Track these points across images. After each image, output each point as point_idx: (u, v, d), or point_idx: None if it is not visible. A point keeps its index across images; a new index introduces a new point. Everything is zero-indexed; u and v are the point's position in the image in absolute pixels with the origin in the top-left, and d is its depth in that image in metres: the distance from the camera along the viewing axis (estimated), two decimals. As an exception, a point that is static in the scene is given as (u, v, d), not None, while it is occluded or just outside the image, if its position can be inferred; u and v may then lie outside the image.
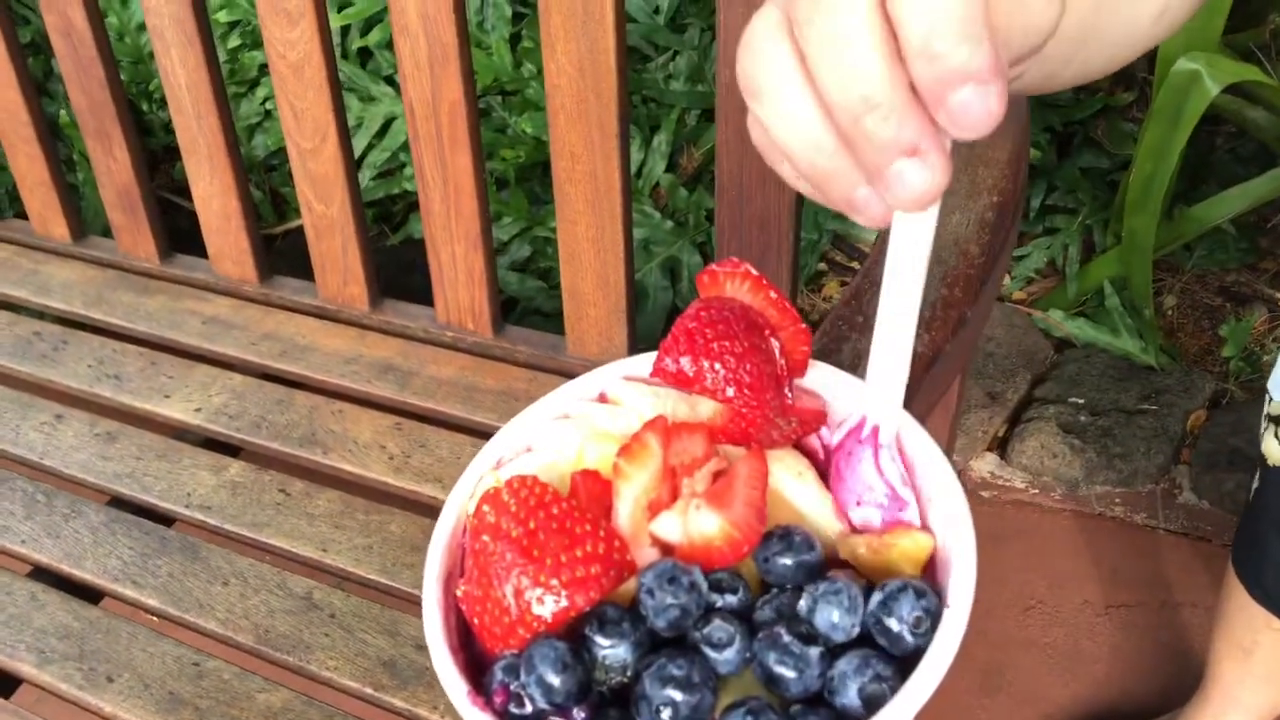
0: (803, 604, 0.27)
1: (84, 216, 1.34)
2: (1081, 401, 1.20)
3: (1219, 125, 1.34)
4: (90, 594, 0.68)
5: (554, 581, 0.25)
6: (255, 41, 1.37)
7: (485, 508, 0.27)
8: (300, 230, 1.42)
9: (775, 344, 0.30)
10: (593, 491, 0.28)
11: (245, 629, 0.64)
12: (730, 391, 0.29)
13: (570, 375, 0.78)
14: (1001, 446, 1.20)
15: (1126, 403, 1.19)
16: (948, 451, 0.84)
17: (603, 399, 0.33)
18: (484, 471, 0.32)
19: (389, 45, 1.35)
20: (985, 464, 1.20)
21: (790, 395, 0.31)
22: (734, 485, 0.27)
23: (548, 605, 0.25)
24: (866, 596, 0.27)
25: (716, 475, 0.28)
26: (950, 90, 0.24)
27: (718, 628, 0.26)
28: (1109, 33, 0.37)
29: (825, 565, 0.28)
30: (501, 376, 0.78)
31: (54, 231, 0.95)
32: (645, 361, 0.32)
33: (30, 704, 0.62)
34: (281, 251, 1.42)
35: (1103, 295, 1.27)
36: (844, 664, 0.26)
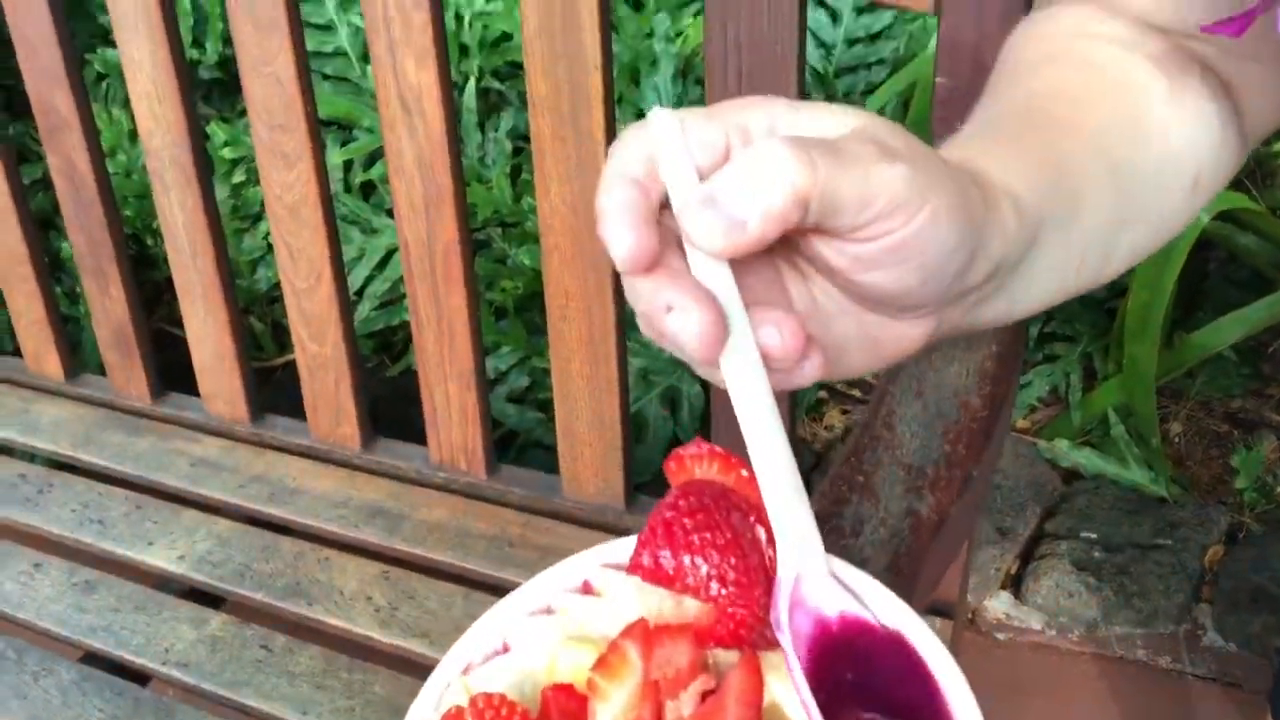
0: None
1: (84, 350, 1.34)
2: (1095, 536, 1.16)
3: (1211, 251, 1.35)
4: (55, 761, 0.64)
5: None
6: (259, 178, 1.40)
7: None
8: (293, 365, 1.42)
9: (761, 531, 0.28)
10: (567, 710, 0.26)
11: (216, 800, 0.60)
12: (715, 589, 0.27)
13: (565, 519, 0.76)
14: (1015, 585, 1.16)
15: (1140, 537, 1.16)
16: (961, 594, 0.80)
17: (587, 588, 0.31)
18: (451, 678, 0.29)
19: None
20: (1000, 604, 1.16)
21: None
22: (725, 705, 0.24)
23: None
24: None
25: (705, 694, 0.25)
26: (601, 235, 0.28)
27: None
28: (1145, 215, 0.37)
29: None
30: (495, 520, 0.76)
31: (47, 369, 0.95)
32: (629, 546, 0.30)
33: None
34: (280, 383, 1.41)
35: (1108, 424, 1.25)
36: None
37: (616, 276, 0.70)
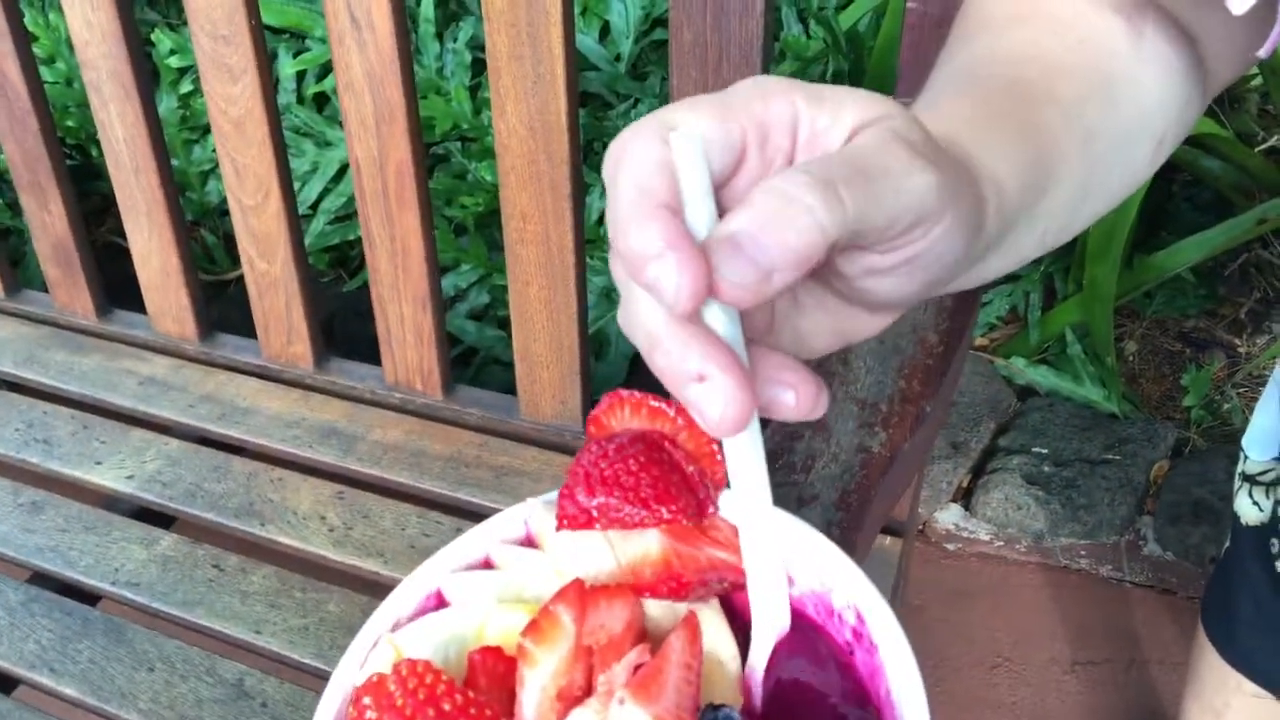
0: None
1: (27, 266, 1.30)
2: (1045, 452, 1.19)
3: (1176, 174, 1.35)
4: (4, 681, 0.64)
5: None
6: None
7: (366, 700, 0.24)
8: (238, 281, 1.39)
9: (680, 452, 0.27)
10: (495, 673, 0.25)
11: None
12: (641, 514, 0.26)
13: (523, 440, 0.76)
14: (966, 498, 1.19)
15: (1090, 452, 1.18)
16: (911, 512, 0.82)
17: (529, 539, 0.30)
18: (380, 634, 0.29)
19: (344, 89, 1.33)
20: (950, 515, 1.18)
21: (714, 502, 0.28)
22: (665, 670, 0.24)
23: None
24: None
25: (638, 667, 0.25)
26: (640, 275, 0.24)
27: None
28: (1108, 183, 0.36)
29: None
30: (451, 441, 0.75)
31: (-14, 285, 0.91)
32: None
33: (-66, 806, 0.58)
34: (234, 298, 1.38)
35: (1064, 343, 1.26)
36: None
37: (576, 198, 0.68)
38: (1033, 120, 0.35)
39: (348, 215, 1.34)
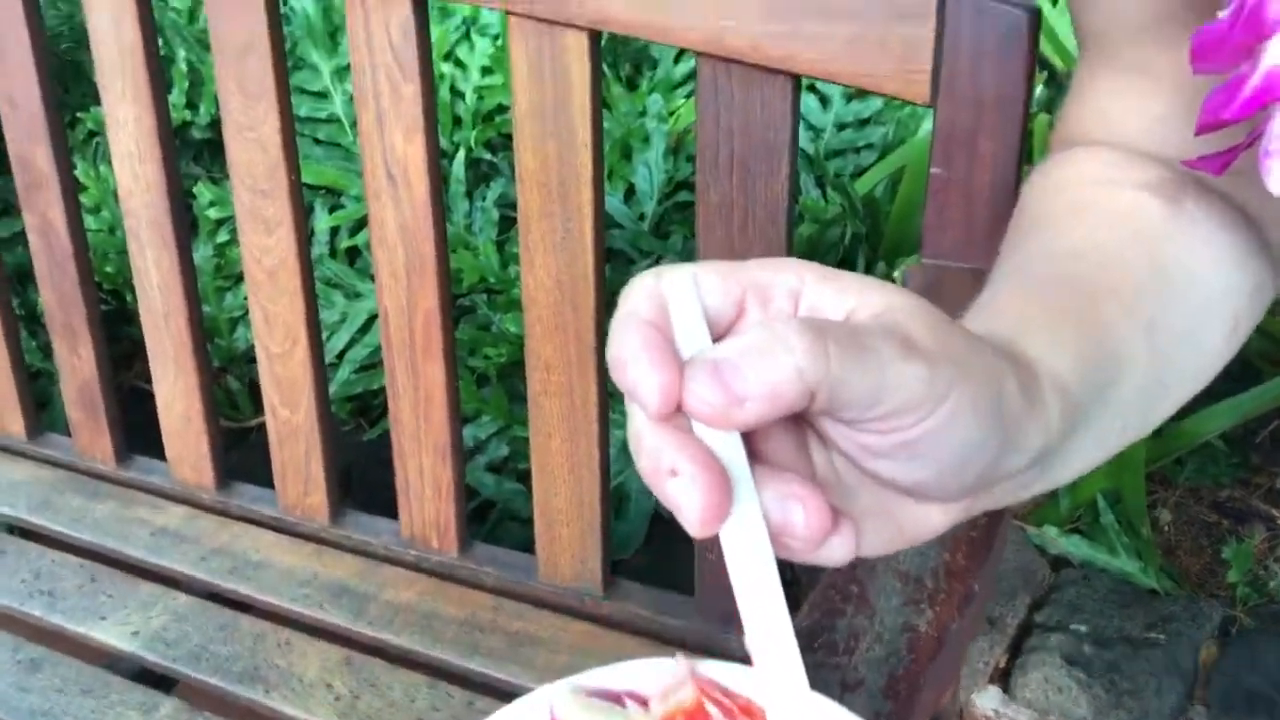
0: None
1: (53, 409, 1.30)
2: (1085, 629, 1.13)
3: (1202, 340, 1.34)
4: None
5: None
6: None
7: None
8: (259, 430, 1.39)
9: None
10: None
11: None
12: None
13: (540, 604, 0.73)
14: (1004, 679, 1.13)
15: (1132, 631, 1.13)
16: (952, 697, 0.77)
17: None
18: None
19: (377, 244, 1.36)
20: (988, 699, 1.12)
21: None
22: None
23: None
24: None
25: None
26: (621, 379, 0.26)
27: None
28: (1182, 371, 0.36)
29: None
30: (466, 603, 0.72)
31: (10, 427, 0.91)
32: (606, 674, 0.28)
33: None
34: (255, 446, 1.38)
35: (1097, 511, 1.23)
36: None
37: (600, 352, 0.68)
38: (1092, 315, 0.34)
39: (372, 365, 1.36)
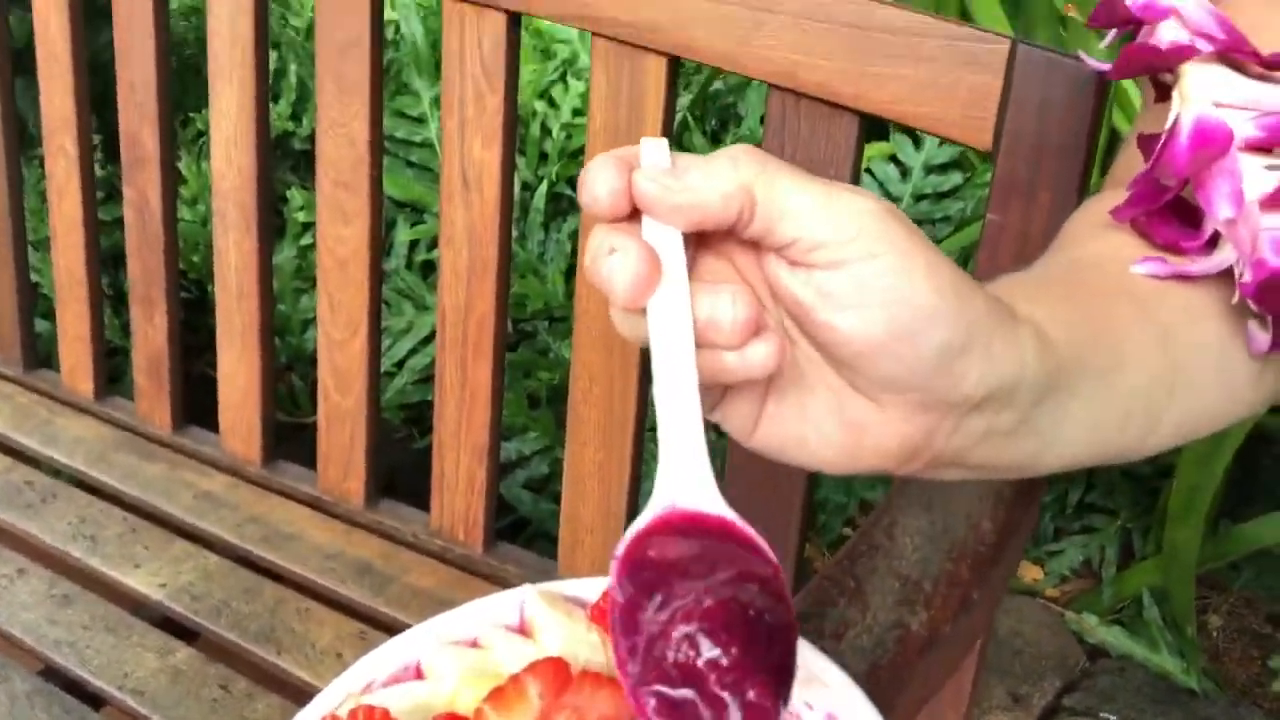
0: None
1: (122, 383, 1.36)
2: (1115, 719, 1.09)
3: (1268, 445, 1.30)
4: (-11, 772, 0.62)
5: None
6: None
7: None
8: (308, 427, 1.42)
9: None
10: None
11: (141, 842, 0.57)
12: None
13: (556, 606, 0.74)
14: (1024, 759, 1.09)
15: (1165, 729, 1.08)
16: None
17: (523, 628, 0.29)
18: (351, 691, 0.27)
19: (448, 259, 1.41)
20: (1005, 777, 1.08)
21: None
22: None
23: None
24: None
25: None
26: (581, 193, 0.30)
27: None
28: (1200, 387, 0.36)
29: None
30: (483, 595, 0.73)
31: (80, 386, 0.96)
32: (589, 585, 0.28)
33: None
34: (306, 441, 1.41)
35: (1141, 604, 1.19)
36: None
37: (644, 370, 0.69)
38: (1099, 308, 0.34)
39: (430, 376, 1.39)
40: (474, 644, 0.28)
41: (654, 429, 1.01)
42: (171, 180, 0.87)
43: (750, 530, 0.27)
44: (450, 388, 0.76)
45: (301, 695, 0.66)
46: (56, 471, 0.87)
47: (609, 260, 0.28)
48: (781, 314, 0.31)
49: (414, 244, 1.45)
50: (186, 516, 0.81)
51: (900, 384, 0.30)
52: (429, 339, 1.39)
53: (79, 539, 0.79)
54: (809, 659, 0.27)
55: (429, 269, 1.46)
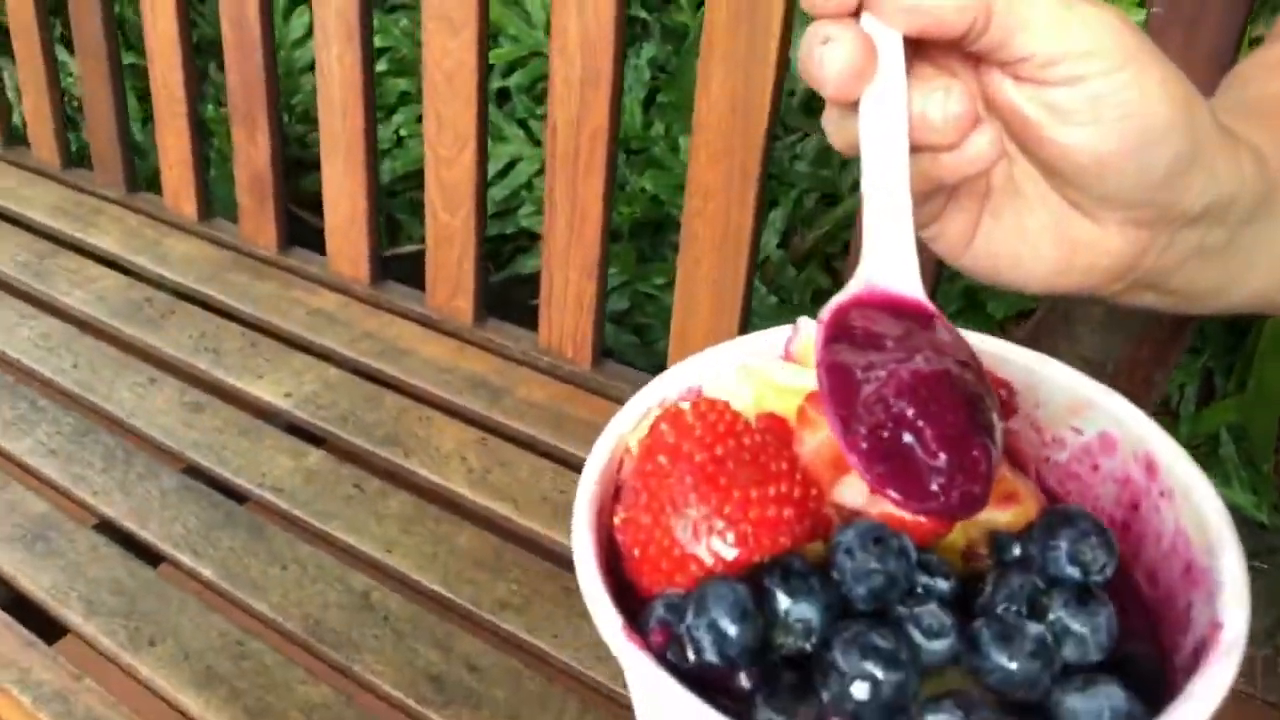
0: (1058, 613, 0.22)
1: (213, 203, 1.38)
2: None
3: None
4: (150, 556, 0.66)
5: (741, 516, 0.22)
6: (400, 69, 1.42)
7: (664, 427, 0.24)
8: (404, 258, 1.44)
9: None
10: (780, 436, 0.25)
11: (296, 617, 0.61)
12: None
13: (665, 420, 0.76)
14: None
15: (1236, 559, 1.11)
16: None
17: (787, 354, 0.30)
18: (650, 405, 0.29)
19: (529, 89, 1.38)
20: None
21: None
22: None
23: (729, 541, 0.22)
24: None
25: None
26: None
27: (930, 612, 0.22)
28: None
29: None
30: (595, 409, 0.76)
31: (184, 209, 0.97)
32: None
33: (71, 654, 0.60)
34: (400, 267, 1.43)
35: (1217, 441, 1.20)
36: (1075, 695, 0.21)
37: (761, 182, 0.68)
38: None
39: (506, 210, 1.39)
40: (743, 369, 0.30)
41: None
42: (267, -7, 0.86)
43: (945, 320, 0.27)
44: (560, 207, 0.76)
45: (431, 494, 0.69)
46: (171, 290, 0.90)
47: (823, 49, 0.28)
48: (999, 128, 0.30)
49: (490, 68, 1.42)
50: (302, 332, 0.84)
51: (1124, 199, 0.29)
52: (505, 171, 1.38)
53: (202, 352, 0.82)
54: (1073, 381, 0.28)
55: (503, 98, 1.44)
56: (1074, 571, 0.24)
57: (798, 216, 1.31)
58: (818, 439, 0.25)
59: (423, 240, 0.84)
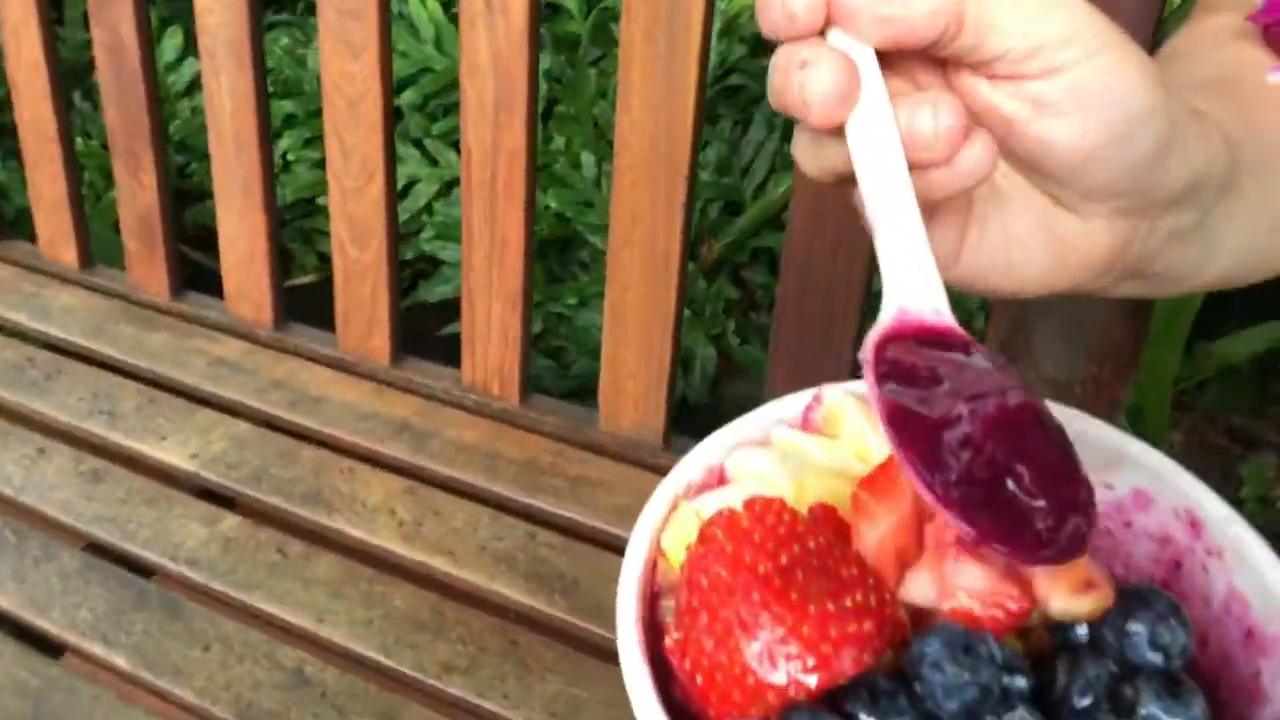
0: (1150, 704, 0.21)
1: (91, 243, 1.28)
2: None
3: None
4: (53, 648, 0.60)
5: (821, 636, 0.20)
6: (284, 90, 1.35)
7: (717, 533, 0.21)
8: (301, 290, 1.37)
9: None
10: (836, 529, 0.23)
11: (225, 701, 0.57)
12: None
13: (600, 452, 0.74)
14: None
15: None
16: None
17: (807, 423, 0.28)
18: (675, 492, 0.26)
19: (421, 107, 1.33)
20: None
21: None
22: None
23: (810, 666, 0.20)
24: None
25: None
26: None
27: (1022, 717, 0.20)
28: None
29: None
30: (527, 447, 0.73)
31: (63, 256, 0.90)
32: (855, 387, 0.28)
33: (-31, 770, 0.54)
34: (308, 303, 1.37)
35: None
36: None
37: (687, 206, 0.67)
38: (1243, 107, 0.34)
39: (408, 235, 1.34)
40: (764, 443, 0.27)
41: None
42: (145, 16, 0.80)
43: (979, 345, 0.26)
44: (479, 236, 0.73)
45: (360, 554, 0.65)
46: (54, 347, 0.83)
47: (802, 75, 0.26)
48: (990, 135, 0.29)
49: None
50: (204, 384, 0.78)
51: (1109, 189, 0.29)
52: (404, 194, 1.33)
53: (95, 415, 0.75)
54: (1107, 437, 0.27)
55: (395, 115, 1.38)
56: (1156, 657, 0.23)
57: (703, 226, 1.31)
58: (878, 533, 0.23)
59: (317, 270, 0.79)
